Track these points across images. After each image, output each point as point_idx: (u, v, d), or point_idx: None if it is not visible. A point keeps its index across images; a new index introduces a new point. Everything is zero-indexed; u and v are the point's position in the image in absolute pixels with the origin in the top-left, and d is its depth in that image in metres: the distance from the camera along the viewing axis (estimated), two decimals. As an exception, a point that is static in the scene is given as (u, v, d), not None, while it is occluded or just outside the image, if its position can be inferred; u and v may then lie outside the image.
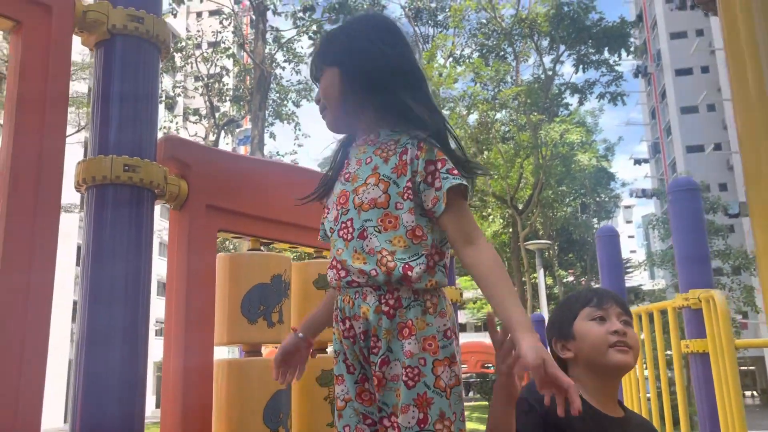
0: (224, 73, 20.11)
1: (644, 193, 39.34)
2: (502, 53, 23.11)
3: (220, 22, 19.26)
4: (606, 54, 21.85)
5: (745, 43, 1.15)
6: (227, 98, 20.69)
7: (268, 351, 2.47)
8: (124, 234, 1.53)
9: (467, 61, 22.77)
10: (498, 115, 22.48)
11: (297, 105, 20.31)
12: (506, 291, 1.27)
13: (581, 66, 22.19)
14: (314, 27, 17.22)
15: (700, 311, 3.14)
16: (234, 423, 1.74)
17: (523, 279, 21.79)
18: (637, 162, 49.05)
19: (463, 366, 1.52)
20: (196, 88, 20.64)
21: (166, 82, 22.24)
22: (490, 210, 23.06)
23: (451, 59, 22.90)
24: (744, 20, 1.15)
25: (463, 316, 29.94)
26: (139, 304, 1.52)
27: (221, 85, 20.15)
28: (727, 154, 35.46)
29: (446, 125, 1.38)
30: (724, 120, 37.76)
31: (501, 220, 23.47)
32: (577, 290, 1.62)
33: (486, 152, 22.20)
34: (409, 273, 1.29)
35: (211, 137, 20.69)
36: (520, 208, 22.14)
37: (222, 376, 1.78)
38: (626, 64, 47.06)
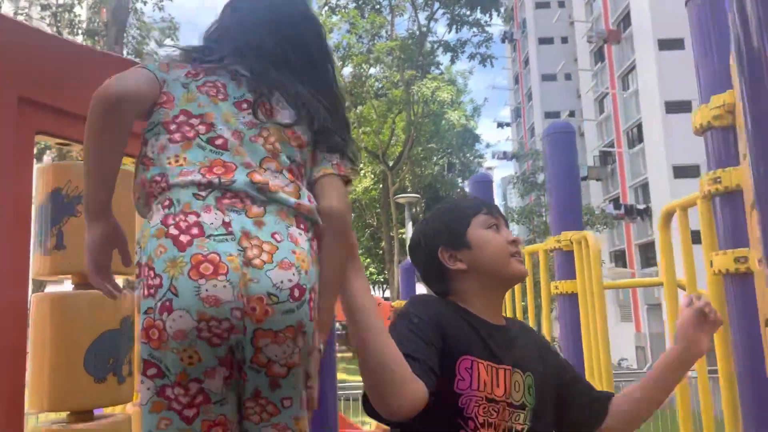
0: (76, 2, 18.12)
1: (505, 155, 41.27)
2: (378, 6, 22.83)
3: (70, -57, 17.26)
4: (478, 14, 22.26)
5: None
6: (79, 31, 18.72)
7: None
8: None
9: (343, 11, 22.27)
10: (372, 71, 22.33)
11: (160, 44, 18.85)
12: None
13: (454, 25, 22.45)
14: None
15: (570, 253, 3.15)
16: (48, 370, 1.40)
17: (391, 234, 22.15)
18: (500, 125, 51.32)
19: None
20: (42, 18, 18.47)
21: (5, 7, 19.70)
22: (362, 165, 23.07)
23: (326, 8, 22.28)
24: None
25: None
26: None
27: (72, 15, 18.16)
28: (579, 121, 37.90)
29: None
30: (578, 89, 40.24)
31: (372, 176, 23.59)
32: (453, 199, 1.48)
33: (359, 107, 22.06)
34: None
35: (60, 73, 18.68)
36: (390, 164, 22.33)
37: (39, 314, 1.43)
38: (495, 29, 48.62)
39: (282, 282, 1.12)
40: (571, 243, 3.13)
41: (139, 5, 17.44)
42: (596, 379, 3.01)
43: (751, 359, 1.77)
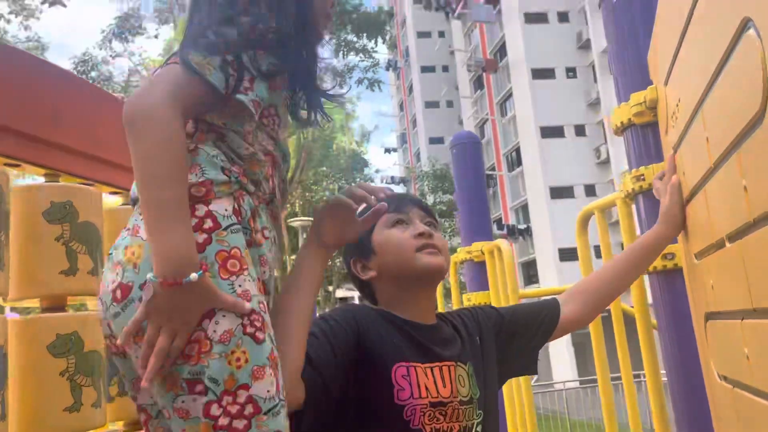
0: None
1: (393, 180, 41.99)
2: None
3: None
4: (365, 40, 22.56)
5: None
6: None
7: None
8: None
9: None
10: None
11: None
12: None
13: (341, 51, 22.61)
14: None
15: (482, 264, 3.10)
16: None
17: (285, 260, 21.72)
18: (387, 151, 52.21)
19: None
20: None
21: None
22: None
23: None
24: None
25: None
26: None
27: None
28: (463, 146, 39.24)
29: None
30: (460, 115, 41.83)
31: (260, 202, 23.08)
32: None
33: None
34: None
35: None
36: (279, 189, 21.94)
37: None
38: (380, 56, 49.68)
39: None
40: (482, 253, 3.08)
41: (1, 24, 16.13)
42: (515, 393, 2.95)
43: (682, 359, 1.75)
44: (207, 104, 1.08)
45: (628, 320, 2.30)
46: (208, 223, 1.02)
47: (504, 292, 2.87)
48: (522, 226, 30.82)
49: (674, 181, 1.44)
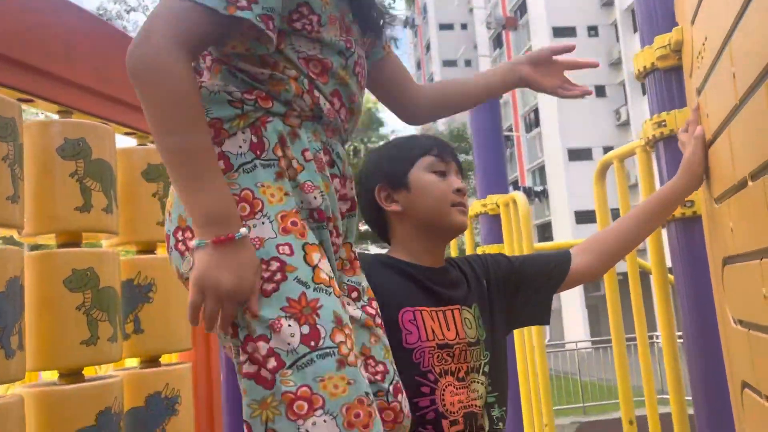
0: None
1: (409, 140, 41.72)
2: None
3: None
4: (382, -5, 22.17)
5: None
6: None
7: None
8: None
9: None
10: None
11: None
12: None
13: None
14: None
15: (497, 217, 3.09)
16: None
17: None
18: (404, 110, 51.68)
19: None
20: None
21: None
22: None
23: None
24: None
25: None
26: None
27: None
28: (481, 107, 38.75)
29: None
30: (479, 75, 41.10)
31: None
32: (404, 137, 1.36)
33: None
34: None
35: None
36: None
37: None
38: (397, 13, 48.80)
39: None
40: (498, 207, 3.06)
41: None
42: (528, 354, 2.97)
43: (698, 307, 1.73)
44: (216, 33, 0.98)
45: (644, 280, 2.27)
46: (220, 166, 0.97)
47: (519, 245, 2.86)
48: (538, 188, 30.64)
49: (699, 132, 1.38)
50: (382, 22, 1.26)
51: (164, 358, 1.83)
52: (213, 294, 0.90)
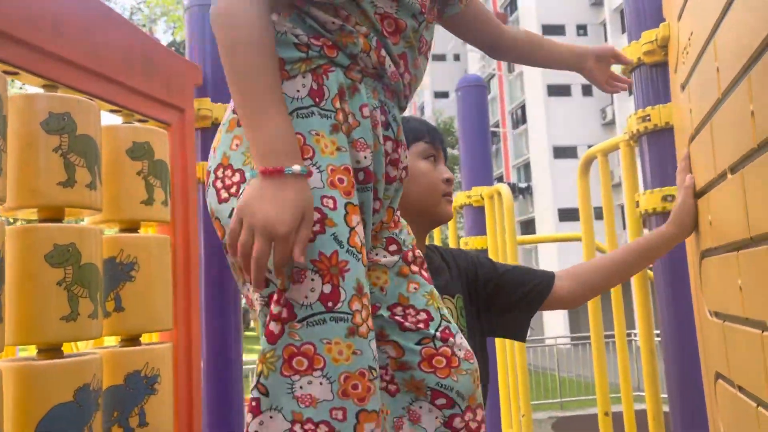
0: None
1: (396, 133, 41.67)
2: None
3: None
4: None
5: None
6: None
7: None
8: None
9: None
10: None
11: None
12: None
13: None
14: None
15: (481, 209, 3.10)
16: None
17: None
18: (391, 103, 51.64)
19: None
20: None
21: None
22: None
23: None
24: None
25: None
26: None
27: None
28: (468, 102, 38.86)
29: None
30: (467, 70, 41.22)
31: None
32: None
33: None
34: None
35: None
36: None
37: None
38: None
39: None
40: (482, 198, 3.08)
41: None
42: (508, 349, 2.99)
43: (676, 304, 1.76)
44: None
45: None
46: None
47: (501, 238, 2.88)
48: (523, 185, 30.80)
49: (688, 181, 1.36)
50: None
51: (145, 338, 1.83)
52: (248, 224, 0.88)
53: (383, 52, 1.04)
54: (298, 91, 0.98)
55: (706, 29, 1.21)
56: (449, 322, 1.08)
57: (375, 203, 1.05)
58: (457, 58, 43.74)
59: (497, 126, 33.94)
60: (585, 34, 29.91)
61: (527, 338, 1.46)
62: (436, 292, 1.11)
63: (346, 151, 0.98)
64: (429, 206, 1.32)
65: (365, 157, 1.01)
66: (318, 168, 0.94)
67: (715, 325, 1.28)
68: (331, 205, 0.93)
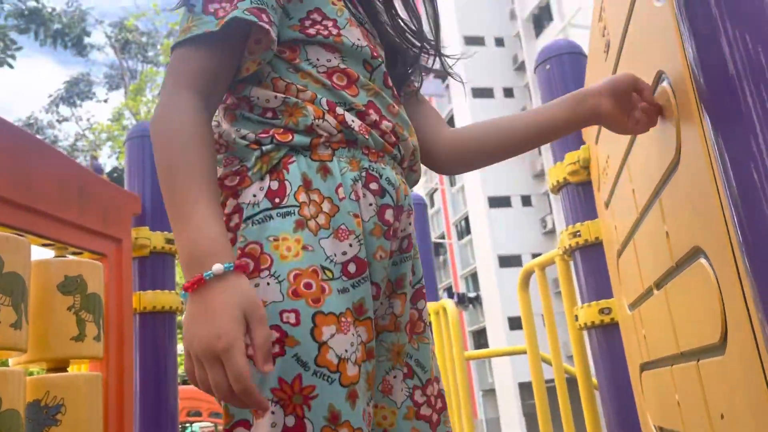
0: None
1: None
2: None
3: None
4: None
5: None
6: None
7: None
8: None
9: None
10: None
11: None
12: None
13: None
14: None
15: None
16: None
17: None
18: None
19: None
20: None
21: None
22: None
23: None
24: None
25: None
26: None
27: None
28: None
29: None
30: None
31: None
32: None
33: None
34: None
35: None
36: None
37: None
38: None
39: None
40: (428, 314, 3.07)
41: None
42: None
43: (622, 413, 1.76)
44: (217, 61, 0.90)
45: (572, 385, 2.29)
46: (235, 220, 0.88)
47: (449, 353, 2.86)
48: (472, 294, 31.00)
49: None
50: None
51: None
52: (193, 356, 0.75)
53: (339, 111, 0.93)
54: (254, 195, 0.88)
55: (619, 153, 1.29)
56: None
57: (377, 295, 0.92)
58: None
59: (443, 237, 34.60)
60: (511, 95, 31.04)
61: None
62: None
63: (314, 249, 0.85)
64: None
65: (351, 245, 0.88)
66: (277, 278, 0.82)
67: (661, 441, 1.27)
68: (293, 320, 0.80)
